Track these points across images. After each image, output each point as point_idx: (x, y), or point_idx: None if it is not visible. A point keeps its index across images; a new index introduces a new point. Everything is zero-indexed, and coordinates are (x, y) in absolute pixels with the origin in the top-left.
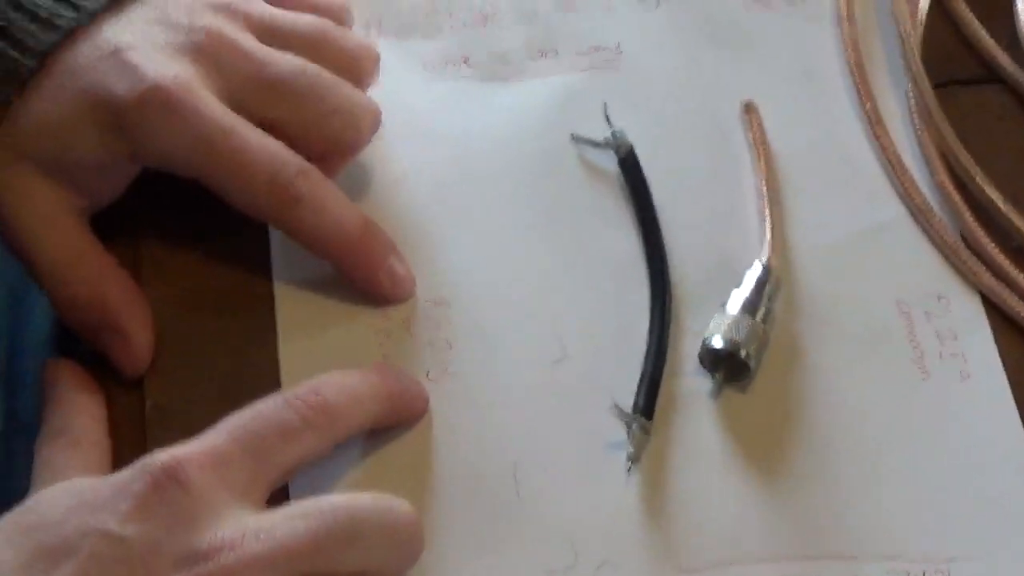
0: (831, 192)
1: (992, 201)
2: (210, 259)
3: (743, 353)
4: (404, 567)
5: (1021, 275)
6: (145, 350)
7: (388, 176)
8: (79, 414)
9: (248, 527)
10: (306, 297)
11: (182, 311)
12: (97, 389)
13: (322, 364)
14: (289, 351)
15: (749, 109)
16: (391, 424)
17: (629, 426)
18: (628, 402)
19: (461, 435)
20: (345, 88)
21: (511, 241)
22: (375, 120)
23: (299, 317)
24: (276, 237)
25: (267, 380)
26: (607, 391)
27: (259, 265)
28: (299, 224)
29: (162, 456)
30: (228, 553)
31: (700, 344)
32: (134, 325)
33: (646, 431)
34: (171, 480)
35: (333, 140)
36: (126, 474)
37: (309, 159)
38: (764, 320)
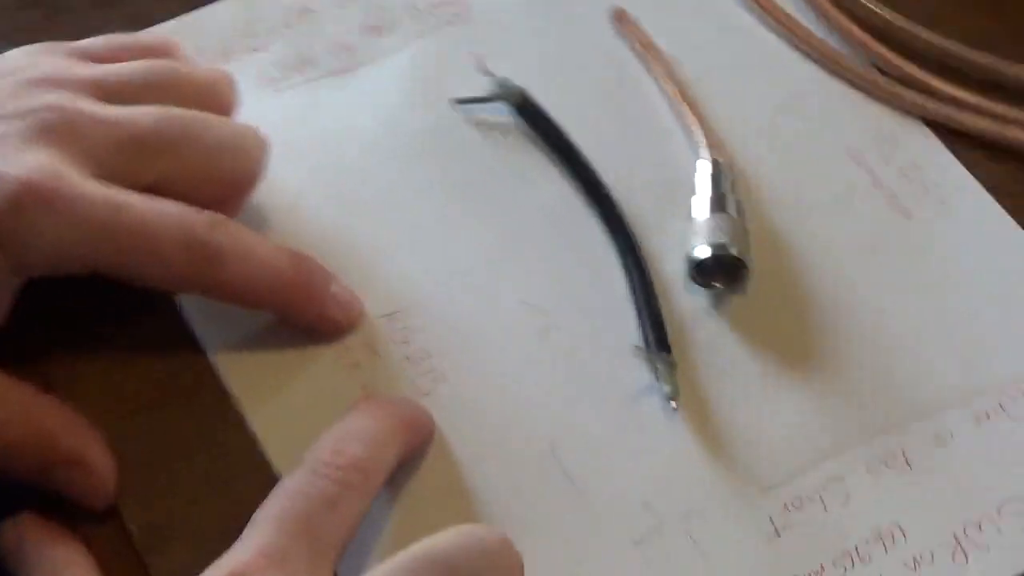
0: (736, 74)
1: (892, 23)
2: (131, 353)
3: (734, 251)
4: None
5: (950, 86)
6: (110, 473)
7: (281, 204)
8: (67, 567)
9: None
10: (252, 359)
11: (123, 419)
12: (70, 535)
13: (301, 421)
14: (261, 421)
15: (620, 17)
16: (411, 455)
17: (655, 365)
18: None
19: (482, 438)
20: (218, 121)
21: (438, 228)
22: (263, 143)
23: (255, 382)
24: (190, 307)
25: (248, 458)
26: (608, 341)
27: (184, 341)
28: (228, 281)
29: (217, 574)
30: None
31: (685, 262)
32: (89, 450)
33: (673, 364)
34: None
35: (227, 179)
36: None
37: (207, 208)
38: (738, 213)
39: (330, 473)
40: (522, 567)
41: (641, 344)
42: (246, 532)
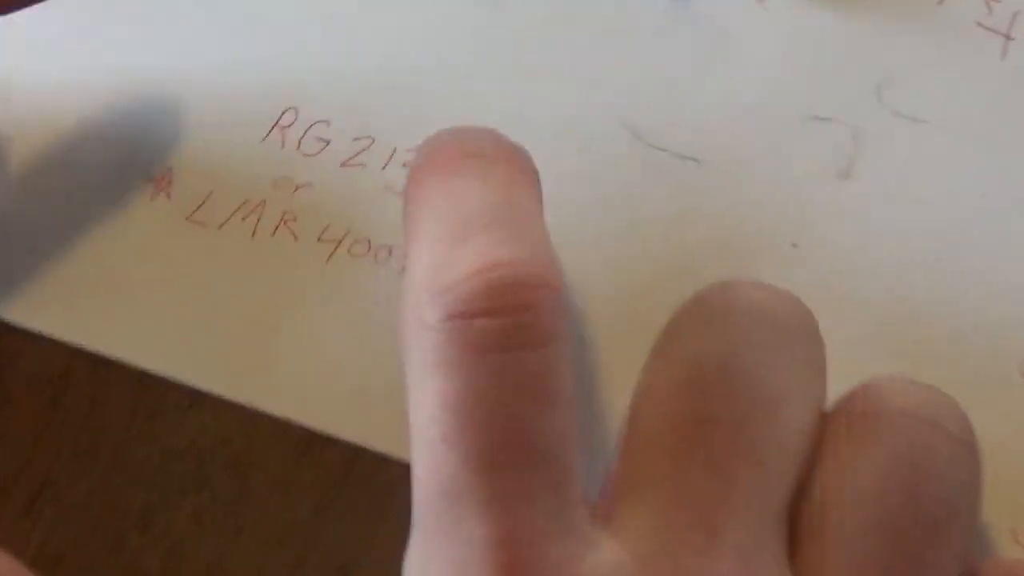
0: None
1: None
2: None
3: None
4: None
5: None
6: None
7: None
8: None
9: None
10: (159, 319)
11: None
12: None
13: (323, 342)
14: (260, 391)
15: None
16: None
17: None
18: None
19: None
20: None
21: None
22: None
23: (195, 345)
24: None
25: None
26: None
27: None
28: None
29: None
30: None
31: None
32: None
33: None
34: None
35: None
36: None
37: None
38: None
39: (509, 334)
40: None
41: None
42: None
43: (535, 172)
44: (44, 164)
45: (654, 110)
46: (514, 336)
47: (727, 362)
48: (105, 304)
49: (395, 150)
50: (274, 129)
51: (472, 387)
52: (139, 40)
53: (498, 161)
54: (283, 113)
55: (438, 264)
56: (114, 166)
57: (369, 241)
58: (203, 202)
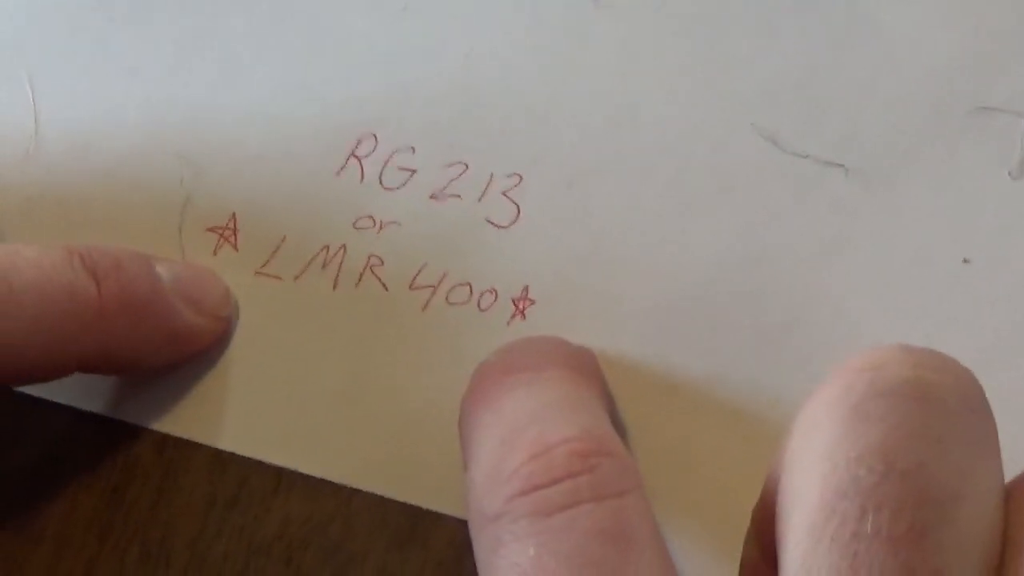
0: None
1: None
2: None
3: None
4: None
5: None
6: None
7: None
8: None
9: None
10: (231, 396)
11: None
12: None
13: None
14: (346, 469)
15: None
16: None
17: None
18: None
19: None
20: None
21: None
22: None
23: (271, 422)
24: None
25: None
26: None
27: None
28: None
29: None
30: None
31: None
32: None
33: None
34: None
35: None
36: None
37: None
38: None
39: (571, 493)
40: None
41: None
42: None
43: (596, 372)
44: (83, 211)
45: (790, 109)
46: (578, 493)
47: (886, 463)
48: (168, 378)
49: (492, 176)
50: (350, 160)
51: (544, 548)
52: (186, 66)
53: (547, 368)
54: (359, 141)
55: (493, 465)
56: (168, 217)
57: (470, 285)
58: (274, 251)
